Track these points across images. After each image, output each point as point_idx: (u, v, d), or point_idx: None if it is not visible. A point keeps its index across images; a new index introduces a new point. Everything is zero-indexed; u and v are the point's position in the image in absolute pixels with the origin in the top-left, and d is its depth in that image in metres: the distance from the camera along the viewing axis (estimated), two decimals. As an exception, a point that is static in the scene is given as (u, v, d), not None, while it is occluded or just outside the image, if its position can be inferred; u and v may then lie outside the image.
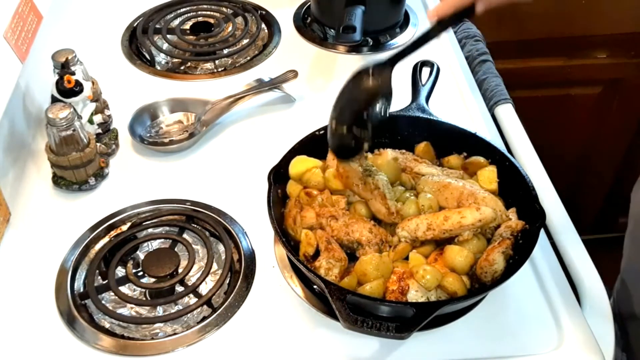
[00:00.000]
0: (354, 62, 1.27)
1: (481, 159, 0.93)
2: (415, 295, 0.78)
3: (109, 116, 1.09)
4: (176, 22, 1.35)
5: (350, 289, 0.78)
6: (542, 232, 0.91)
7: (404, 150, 0.96)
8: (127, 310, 0.86)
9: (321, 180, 0.91)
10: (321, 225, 0.86)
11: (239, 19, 1.36)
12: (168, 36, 1.31)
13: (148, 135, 1.11)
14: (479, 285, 0.81)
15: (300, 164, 0.92)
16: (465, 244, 0.82)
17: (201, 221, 0.95)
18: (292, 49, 1.30)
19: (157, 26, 1.33)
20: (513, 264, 0.81)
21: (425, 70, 1.06)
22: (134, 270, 0.89)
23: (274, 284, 0.88)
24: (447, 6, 0.82)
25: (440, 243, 0.84)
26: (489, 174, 0.90)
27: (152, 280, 0.88)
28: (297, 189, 0.91)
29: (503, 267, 0.80)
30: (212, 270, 0.89)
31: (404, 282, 0.79)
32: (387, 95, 0.85)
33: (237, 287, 0.87)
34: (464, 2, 0.81)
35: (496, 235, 0.84)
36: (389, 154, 0.94)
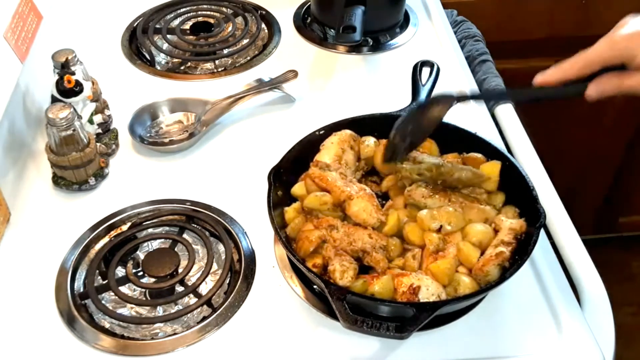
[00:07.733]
0: (354, 62, 1.27)
1: (478, 155, 0.93)
2: (426, 293, 0.78)
3: (109, 116, 1.09)
4: (176, 22, 1.35)
5: (362, 293, 0.77)
6: (542, 232, 0.91)
7: None
8: (127, 310, 0.86)
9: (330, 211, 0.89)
10: (323, 238, 0.84)
11: (239, 19, 1.36)
12: (168, 36, 1.31)
13: (148, 135, 1.11)
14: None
15: (316, 200, 0.88)
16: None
17: (201, 221, 0.95)
18: (292, 49, 1.30)
19: (157, 26, 1.33)
20: (513, 264, 0.81)
21: (425, 70, 1.05)
22: (134, 270, 0.89)
23: (274, 284, 0.88)
24: (556, 74, 0.72)
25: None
26: (492, 167, 0.90)
27: (152, 280, 0.88)
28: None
29: (497, 277, 0.80)
30: (212, 270, 0.89)
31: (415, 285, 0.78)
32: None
33: (237, 287, 0.87)
34: (575, 74, 0.71)
35: (496, 239, 0.83)
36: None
